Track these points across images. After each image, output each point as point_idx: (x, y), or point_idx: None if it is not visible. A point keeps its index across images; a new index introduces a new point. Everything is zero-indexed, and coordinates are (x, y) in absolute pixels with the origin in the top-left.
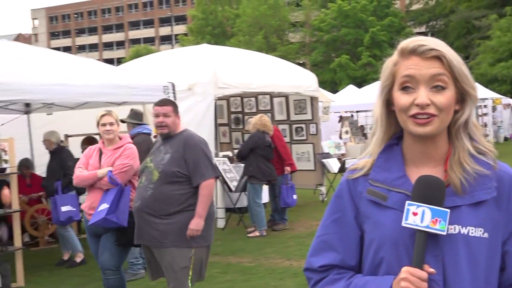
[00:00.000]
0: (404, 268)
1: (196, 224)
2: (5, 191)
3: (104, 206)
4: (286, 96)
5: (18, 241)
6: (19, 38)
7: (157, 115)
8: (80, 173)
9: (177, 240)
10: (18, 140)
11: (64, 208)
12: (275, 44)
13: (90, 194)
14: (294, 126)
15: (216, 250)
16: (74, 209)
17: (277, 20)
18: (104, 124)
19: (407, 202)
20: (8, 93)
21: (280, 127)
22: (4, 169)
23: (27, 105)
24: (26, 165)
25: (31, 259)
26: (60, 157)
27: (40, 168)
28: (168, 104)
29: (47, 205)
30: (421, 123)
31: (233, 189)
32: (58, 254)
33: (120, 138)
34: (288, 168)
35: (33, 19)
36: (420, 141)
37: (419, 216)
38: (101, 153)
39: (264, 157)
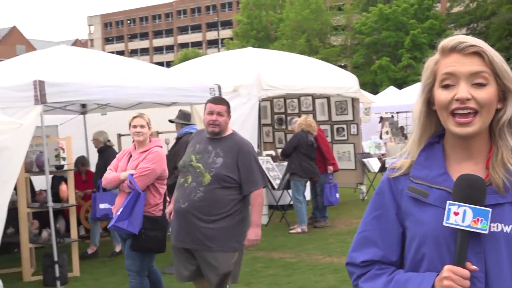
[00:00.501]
0: (447, 267)
1: (255, 234)
2: (63, 186)
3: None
4: (327, 98)
5: (74, 234)
6: (76, 43)
7: (211, 113)
8: (107, 175)
9: (224, 245)
10: (75, 139)
11: (102, 205)
12: (317, 47)
13: (118, 196)
14: (336, 126)
15: (260, 246)
16: (111, 207)
17: (319, 23)
18: (135, 126)
19: (448, 202)
20: (66, 95)
21: (322, 127)
22: (62, 166)
23: (83, 106)
24: (82, 162)
25: (86, 250)
26: (105, 156)
27: (95, 166)
28: (223, 103)
29: None
30: (462, 123)
31: (276, 187)
32: (110, 246)
33: (151, 141)
34: (330, 168)
35: (89, 25)
36: (462, 139)
37: (460, 216)
38: (131, 156)
39: (306, 156)
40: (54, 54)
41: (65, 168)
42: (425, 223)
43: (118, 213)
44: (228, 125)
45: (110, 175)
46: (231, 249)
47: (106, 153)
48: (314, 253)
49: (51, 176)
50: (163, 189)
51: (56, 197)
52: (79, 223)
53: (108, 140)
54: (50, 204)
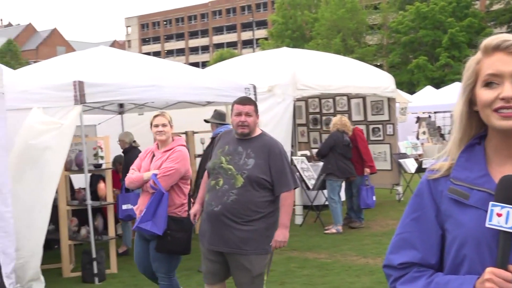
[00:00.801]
0: (488, 269)
1: (283, 235)
2: (101, 185)
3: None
4: (363, 97)
5: (112, 231)
6: (114, 44)
7: (239, 114)
8: (130, 175)
9: (257, 247)
10: (113, 139)
11: (124, 206)
12: (352, 47)
13: (141, 196)
14: (371, 126)
15: (294, 246)
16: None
17: (355, 23)
18: (156, 125)
19: (491, 203)
20: (105, 95)
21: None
22: (100, 164)
23: (121, 105)
24: (120, 161)
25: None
26: (131, 157)
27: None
28: (250, 103)
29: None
30: (507, 116)
31: (311, 187)
32: None
33: (173, 140)
34: (367, 170)
35: (127, 26)
36: (505, 138)
37: (503, 217)
38: (153, 156)
39: (342, 156)
40: (93, 55)
41: (103, 167)
42: (465, 225)
43: (142, 214)
44: (256, 125)
45: (133, 175)
46: (264, 251)
47: (132, 153)
48: (349, 254)
49: (90, 174)
50: (187, 189)
51: (95, 195)
52: (116, 221)
53: (134, 141)
54: (89, 202)
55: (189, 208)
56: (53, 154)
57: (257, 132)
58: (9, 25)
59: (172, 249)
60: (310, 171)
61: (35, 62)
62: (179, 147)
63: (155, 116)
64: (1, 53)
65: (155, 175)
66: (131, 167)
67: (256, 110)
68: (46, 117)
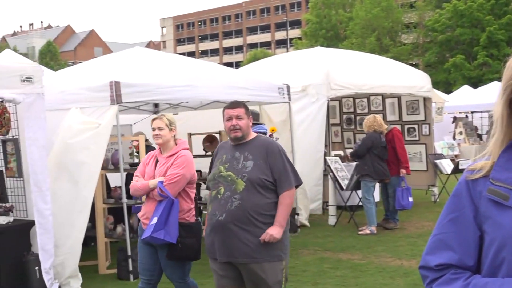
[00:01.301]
0: None
1: (277, 232)
2: None
3: (155, 220)
4: (398, 97)
5: None
6: (150, 45)
7: (229, 118)
8: (135, 183)
9: (269, 254)
10: (148, 138)
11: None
12: (387, 46)
13: (146, 203)
14: (406, 126)
15: (327, 246)
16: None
17: (390, 21)
18: (153, 129)
19: None
20: (140, 95)
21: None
22: (136, 163)
23: (156, 105)
24: None
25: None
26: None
27: None
28: (239, 105)
29: None
30: None
31: (344, 187)
32: None
33: (176, 144)
34: (403, 171)
35: (162, 27)
36: None
37: None
38: (157, 161)
39: (378, 157)
40: (129, 56)
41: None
42: (505, 226)
43: (152, 223)
44: (250, 128)
45: (138, 183)
46: (278, 258)
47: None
48: (383, 255)
49: (125, 173)
50: (193, 193)
51: (130, 194)
52: None
53: (146, 140)
54: (125, 200)
55: (197, 213)
56: (91, 153)
57: (252, 135)
58: (49, 27)
59: (184, 256)
60: (344, 171)
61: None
62: (183, 151)
63: (153, 120)
64: (41, 54)
65: (162, 182)
66: (134, 174)
67: (247, 113)
68: (84, 117)
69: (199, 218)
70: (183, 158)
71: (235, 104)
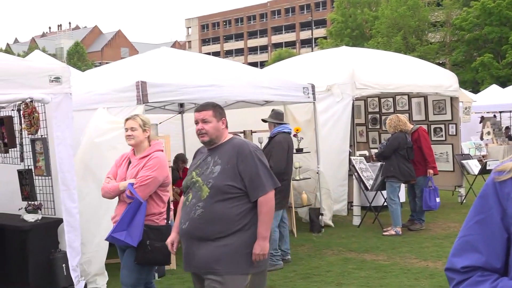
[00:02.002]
0: None
1: (261, 248)
2: None
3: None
4: (424, 97)
5: None
6: (175, 45)
7: (196, 122)
8: (106, 185)
9: (231, 266)
10: (173, 137)
11: None
12: (414, 45)
13: (117, 206)
14: (433, 126)
15: (351, 247)
16: None
17: (416, 20)
18: (126, 129)
19: None
20: (166, 95)
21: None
22: None
23: (181, 105)
24: (183, 159)
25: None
26: None
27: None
28: (207, 108)
29: None
30: None
31: (369, 187)
32: None
33: (150, 145)
34: (431, 171)
35: (187, 27)
36: None
37: None
38: (130, 162)
39: (404, 158)
40: (155, 56)
41: None
42: None
43: (116, 223)
44: (222, 130)
45: (109, 185)
46: (240, 271)
47: None
48: (408, 257)
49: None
50: (166, 196)
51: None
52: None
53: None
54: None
55: (168, 216)
56: (117, 153)
57: (226, 137)
58: (77, 27)
59: (153, 259)
60: (368, 172)
61: (100, 63)
62: (156, 153)
63: (126, 120)
64: (69, 55)
65: (132, 184)
66: (106, 175)
67: (215, 115)
68: (111, 117)
69: (169, 222)
70: (155, 160)
71: (202, 107)
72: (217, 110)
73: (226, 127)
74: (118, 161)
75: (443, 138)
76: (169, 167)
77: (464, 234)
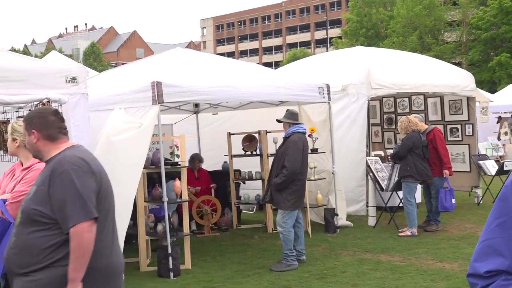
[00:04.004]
0: None
1: None
2: (177, 182)
3: None
4: (440, 96)
5: (186, 228)
6: (190, 45)
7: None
8: None
9: None
10: (188, 137)
11: None
12: (429, 44)
13: None
14: (449, 126)
15: (367, 248)
16: None
17: (432, 20)
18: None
19: None
20: (181, 95)
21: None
22: (177, 163)
23: (196, 105)
24: (199, 158)
25: (197, 244)
26: None
27: (207, 162)
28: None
29: (213, 197)
30: None
31: (384, 188)
32: (221, 241)
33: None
34: (446, 172)
35: (202, 28)
36: None
37: None
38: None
39: (420, 157)
40: (170, 57)
41: (179, 165)
42: None
43: None
44: (36, 145)
45: None
46: None
47: None
48: (424, 258)
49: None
50: None
51: None
52: (191, 218)
53: None
54: (165, 199)
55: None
56: (133, 152)
57: (53, 152)
58: (93, 28)
59: None
60: (384, 172)
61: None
62: (38, 164)
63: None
64: (85, 55)
65: (4, 200)
66: None
67: (27, 128)
68: (127, 117)
69: None
70: (34, 173)
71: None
72: (27, 122)
73: (47, 139)
74: (7, 171)
75: (460, 139)
76: (184, 167)
77: (485, 238)
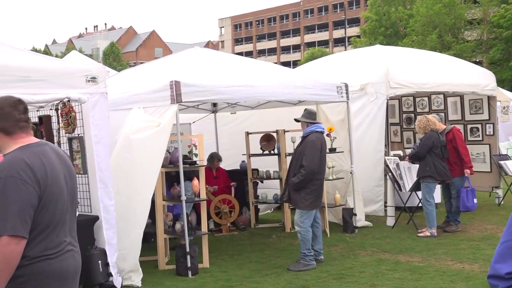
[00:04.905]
0: None
1: None
2: (195, 181)
3: None
4: (461, 96)
5: (204, 227)
6: (208, 44)
7: None
8: None
9: None
10: (206, 136)
11: None
12: (449, 43)
13: None
14: (469, 126)
15: (385, 248)
16: None
17: (452, 18)
18: None
19: None
20: (199, 94)
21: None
22: (195, 162)
23: (214, 105)
24: (218, 157)
25: (215, 243)
26: None
27: (225, 161)
28: None
29: (231, 196)
30: None
31: (400, 188)
32: (239, 240)
33: None
34: (468, 171)
35: (220, 27)
36: None
37: None
38: None
39: (439, 157)
40: (188, 56)
41: (197, 164)
42: None
43: None
44: None
45: None
46: None
47: None
48: (444, 258)
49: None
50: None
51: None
52: (209, 217)
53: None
54: (183, 198)
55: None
56: (152, 151)
57: (11, 147)
58: (112, 28)
59: None
60: (410, 170)
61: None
62: None
63: None
64: (105, 55)
65: None
66: None
67: None
68: (146, 116)
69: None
70: None
71: None
72: None
73: (2, 132)
74: None
75: (480, 138)
76: (202, 166)
77: (506, 239)
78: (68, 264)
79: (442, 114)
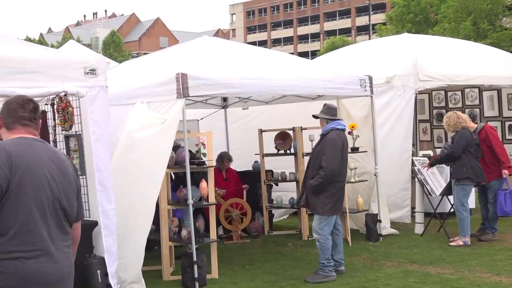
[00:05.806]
0: None
1: None
2: (203, 183)
3: None
4: (498, 90)
5: (213, 234)
6: (218, 33)
7: None
8: None
9: None
10: (215, 134)
11: None
12: (485, 31)
13: None
14: (507, 123)
15: (413, 258)
16: None
17: (489, 3)
18: None
19: None
20: (208, 88)
21: (491, 124)
22: (204, 162)
23: (224, 99)
24: (228, 157)
25: (225, 252)
26: None
27: (235, 162)
28: None
29: (242, 200)
30: None
31: (430, 192)
32: (251, 249)
33: None
34: (506, 172)
35: (231, 14)
36: None
37: None
38: None
39: (474, 156)
40: (196, 46)
41: (206, 164)
42: None
43: None
44: (1, 133)
45: None
46: None
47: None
48: (479, 270)
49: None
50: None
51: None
52: (218, 223)
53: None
54: (190, 202)
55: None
56: (156, 150)
57: None
58: (113, 15)
59: None
60: (434, 174)
61: (137, 53)
62: None
63: None
64: (105, 44)
65: None
66: None
67: None
68: (150, 112)
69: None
70: None
71: None
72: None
73: (4, 126)
74: None
75: None
76: (211, 166)
77: None
78: (45, 267)
79: (477, 110)
